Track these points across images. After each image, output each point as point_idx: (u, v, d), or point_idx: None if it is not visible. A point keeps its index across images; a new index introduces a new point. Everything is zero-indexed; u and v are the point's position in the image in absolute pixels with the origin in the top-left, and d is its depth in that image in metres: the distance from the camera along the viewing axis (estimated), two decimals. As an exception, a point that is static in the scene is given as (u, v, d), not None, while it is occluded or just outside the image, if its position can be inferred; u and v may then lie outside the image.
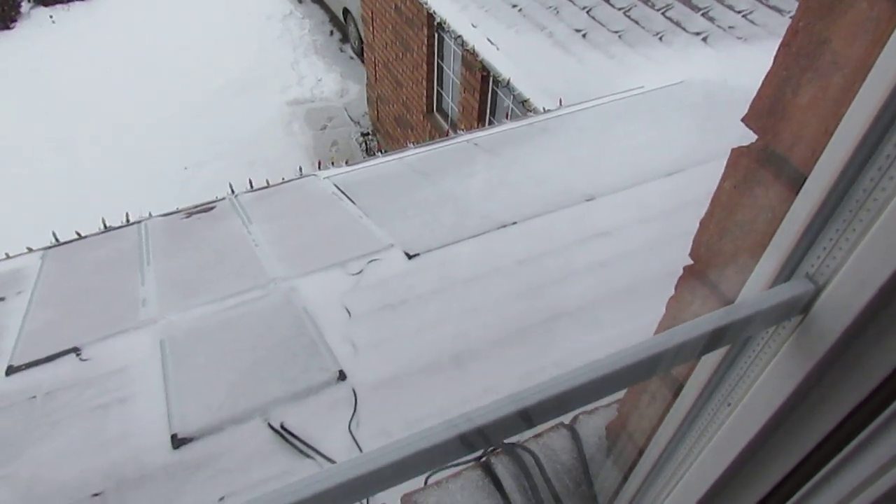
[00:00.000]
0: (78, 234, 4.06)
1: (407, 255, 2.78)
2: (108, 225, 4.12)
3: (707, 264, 0.53)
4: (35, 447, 2.23)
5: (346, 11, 10.64)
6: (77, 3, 11.82)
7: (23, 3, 11.43)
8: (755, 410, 0.46)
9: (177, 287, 3.01)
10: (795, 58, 0.38)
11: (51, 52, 10.83)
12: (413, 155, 4.01)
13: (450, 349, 2.19)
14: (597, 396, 0.40)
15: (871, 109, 0.35)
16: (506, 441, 0.96)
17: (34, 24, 11.54)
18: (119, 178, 8.50)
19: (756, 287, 0.45)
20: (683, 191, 2.79)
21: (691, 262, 0.56)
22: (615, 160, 3.37)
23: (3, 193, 8.34)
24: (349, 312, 2.51)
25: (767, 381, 0.45)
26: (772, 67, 0.42)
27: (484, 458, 0.93)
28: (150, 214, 4.10)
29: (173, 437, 2.04)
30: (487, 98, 6.71)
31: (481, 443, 0.38)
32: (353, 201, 3.47)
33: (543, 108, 4.60)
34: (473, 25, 5.71)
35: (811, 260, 0.41)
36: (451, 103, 7.61)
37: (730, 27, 4.79)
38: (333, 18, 11.68)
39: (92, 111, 9.81)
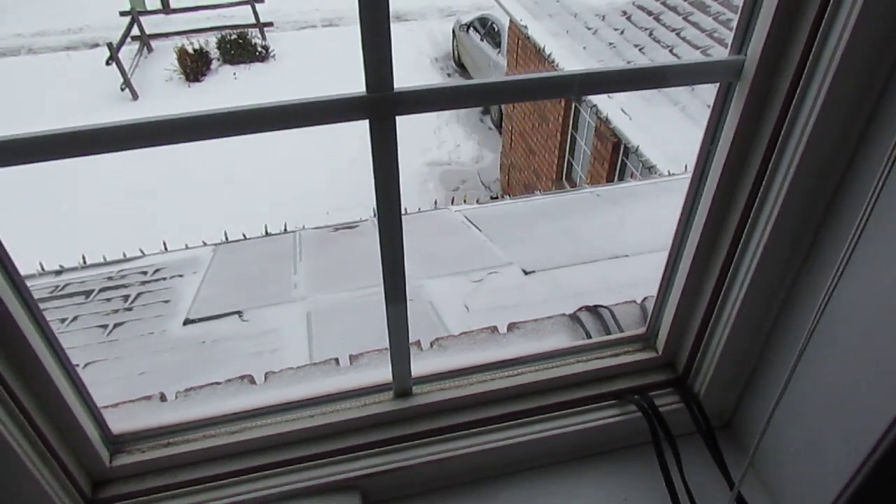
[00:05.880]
0: (244, 235, 4.75)
1: (524, 271, 3.08)
2: (268, 231, 4.78)
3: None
4: (200, 376, 2.72)
5: (490, 85, 11.46)
6: (257, 63, 13.58)
7: (213, 62, 13.32)
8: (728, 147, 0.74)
9: (323, 277, 3.50)
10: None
11: (231, 102, 12.50)
12: (538, 199, 4.36)
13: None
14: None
15: None
16: (591, 306, 1.25)
17: (220, 80, 13.37)
18: (268, 218, 9.57)
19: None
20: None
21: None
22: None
23: (186, 210, 9.64)
24: (468, 308, 2.83)
25: (732, 121, 0.72)
26: None
27: (573, 313, 1.21)
28: (303, 226, 4.71)
29: (312, 378, 2.43)
30: (616, 168, 7.00)
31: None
32: (479, 229, 3.86)
33: (668, 172, 4.81)
34: (609, 97, 6.09)
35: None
36: (580, 172, 7.95)
37: None
38: (478, 92, 12.58)
39: (261, 153, 11.15)
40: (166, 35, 14.04)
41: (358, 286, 3.21)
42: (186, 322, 3.15)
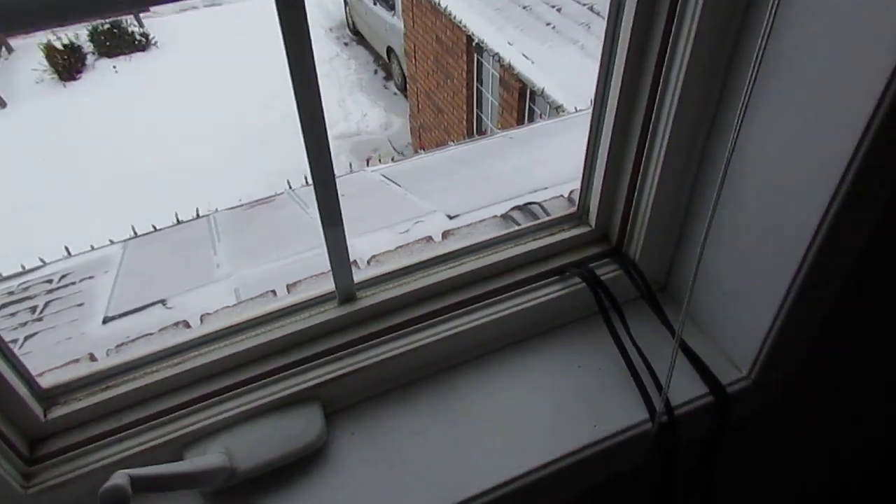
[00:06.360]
0: (154, 226, 4.51)
1: (448, 216, 3.09)
2: (179, 219, 4.56)
3: None
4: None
5: (389, 50, 11.30)
6: (138, 53, 12.62)
7: (88, 56, 12.24)
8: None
9: (246, 253, 3.39)
10: None
11: (114, 99, 11.64)
12: (453, 149, 4.37)
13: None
14: None
15: None
16: (520, 204, 1.29)
17: (99, 75, 12.37)
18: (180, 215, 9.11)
19: None
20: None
21: None
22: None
23: (83, 217, 9.03)
24: (398, 259, 2.82)
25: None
26: None
27: (505, 213, 1.24)
28: (216, 209, 4.53)
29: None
30: (524, 115, 7.09)
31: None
32: (398, 185, 3.83)
33: (575, 108, 4.92)
34: (510, 43, 6.13)
35: None
36: (490, 124, 8.01)
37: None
38: (378, 59, 12.37)
39: (153, 153, 10.52)
40: (26, 32, 12.83)
41: (283, 255, 3.12)
42: (106, 320, 2.98)
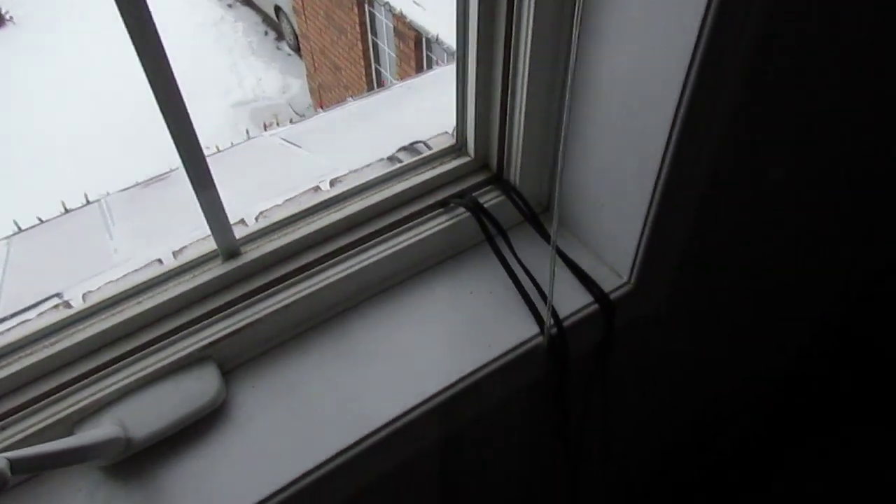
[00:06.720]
0: (39, 219, 4.21)
1: (352, 171, 3.05)
2: (67, 208, 4.27)
3: None
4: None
5: (277, 9, 10.80)
6: (-9, 29, 11.43)
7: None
8: None
9: (145, 234, 3.23)
10: None
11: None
12: (352, 104, 4.28)
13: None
14: None
15: None
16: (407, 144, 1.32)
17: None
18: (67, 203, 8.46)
19: None
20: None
21: None
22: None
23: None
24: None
25: None
26: None
27: (390, 155, 1.27)
28: (107, 193, 4.27)
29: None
30: (423, 64, 7.01)
31: None
32: (298, 146, 3.73)
33: (469, 52, 4.91)
34: (397, -9, 5.99)
35: None
36: (390, 77, 7.88)
37: None
38: (266, 19, 11.81)
39: (27, 141, 9.66)
40: None
41: (186, 230, 3.01)
42: (-3, 321, 2.79)
